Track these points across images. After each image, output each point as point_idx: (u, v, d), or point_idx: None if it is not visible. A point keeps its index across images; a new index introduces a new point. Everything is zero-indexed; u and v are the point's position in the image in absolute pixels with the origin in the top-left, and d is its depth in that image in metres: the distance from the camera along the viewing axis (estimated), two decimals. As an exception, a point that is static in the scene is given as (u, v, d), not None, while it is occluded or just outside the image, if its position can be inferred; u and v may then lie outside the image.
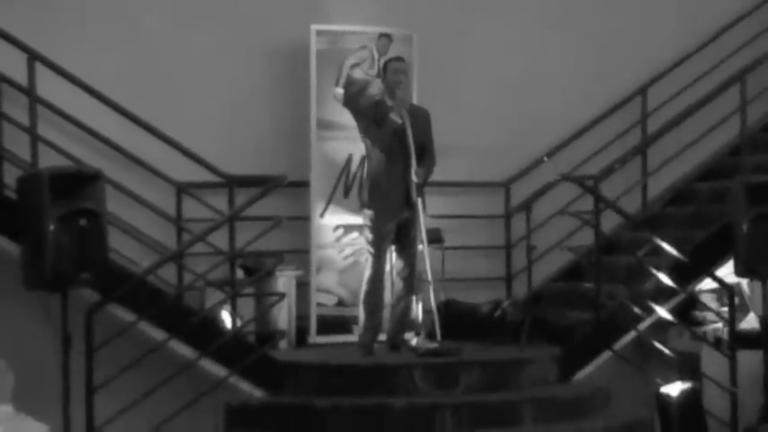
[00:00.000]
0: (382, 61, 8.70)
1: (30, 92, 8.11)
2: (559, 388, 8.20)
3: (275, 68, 9.30)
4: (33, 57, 8.11)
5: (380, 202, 8.22)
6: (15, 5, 8.55)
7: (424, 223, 8.12)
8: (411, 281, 8.32)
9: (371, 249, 8.26)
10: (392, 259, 8.37)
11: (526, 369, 8.09)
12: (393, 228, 8.23)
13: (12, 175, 7.74)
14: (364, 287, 8.30)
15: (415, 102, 8.71)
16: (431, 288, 8.08)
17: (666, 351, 8.57)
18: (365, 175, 8.49)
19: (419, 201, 8.12)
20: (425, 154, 8.28)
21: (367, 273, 8.30)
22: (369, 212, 8.27)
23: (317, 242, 8.99)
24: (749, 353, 8.19)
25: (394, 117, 8.12)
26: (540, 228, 9.40)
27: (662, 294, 8.49)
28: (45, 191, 6.76)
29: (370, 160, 8.37)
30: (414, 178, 8.10)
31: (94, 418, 7.27)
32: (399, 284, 8.34)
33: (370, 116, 8.29)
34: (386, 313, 8.42)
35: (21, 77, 8.12)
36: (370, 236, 8.27)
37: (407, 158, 8.11)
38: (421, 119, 8.32)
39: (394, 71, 8.33)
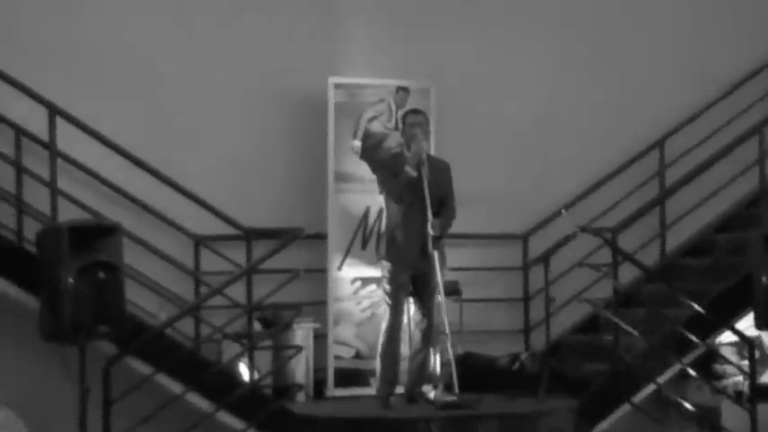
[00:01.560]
0: (401, 113, 8.74)
1: (50, 146, 8.16)
2: (578, 441, 8.16)
3: (293, 120, 9.34)
4: (54, 111, 8.17)
5: (397, 254, 8.22)
6: (35, 57, 8.61)
7: (441, 275, 8.10)
8: (429, 333, 8.30)
9: (389, 301, 8.26)
10: (410, 311, 8.35)
11: (544, 421, 8.05)
12: (409, 279, 8.22)
13: (30, 228, 7.78)
14: (382, 339, 8.29)
15: (433, 153, 8.74)
16: (448, 340, 8.06)
17: (686, 405, 8.52)
18: (383, 227, 8.50)
19: (435, 253, 8.11)
20: (445, 207, 8.28)
21: (384, 325, 8.29)
22: (386, 264, 8.27)
23: (335, 294, 8.98)
24: (770, 406, 8.15)
25: (408, 170, 8.14)
26: (558, 280, 9.37)
27: (681, 347, 8.43)
28: (64, 244, 6.79)
29: (387, 212, 8.38)
30: (430, 231, 8.10)
31: (111, 470, 7.26)
32: (417, 336, 8.32)
33: (388, 168, 8.31)
34: (404, 366, 8.39)
35: (39, 130, 8.17)
36: (387, 287, 8.26)
37: (424, 210, 8.12)
38: (440, 171, 8.34)
39: (411, 125, 8.36)
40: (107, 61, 8.92)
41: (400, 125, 8.70)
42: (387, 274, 8.26)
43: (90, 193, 8.47)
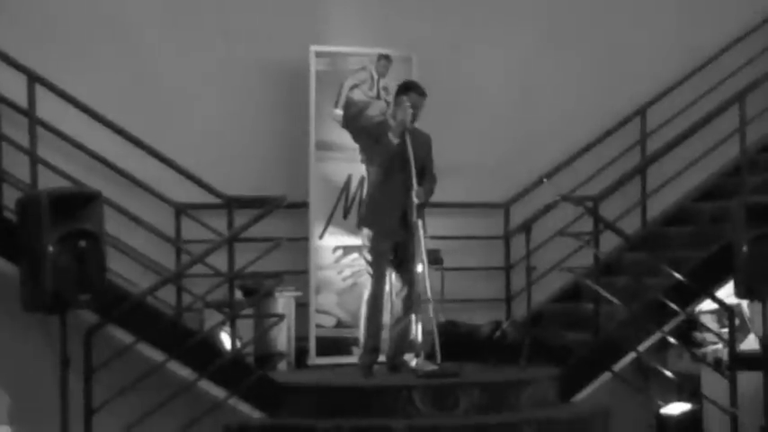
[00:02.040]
0: (384, 82, 8.67)
1: (30, 113, 8.11)
2: (559, 409, 8.18)
3: (274, 89, 9.31)
4: (33, 78, 8.12)
5: (378, 222, 8.22)
6: (16, 27, 8.57)
7: (423, 244, 8.11)
8: (410, 302, 8.30)
9: (371, 270, 8.26)
10: (391, 280, 8.36)
11: (526, 390, 8.08)
12: (390, 248, 8.22)
13: (11, 197, 7.73)
14: (364, 308, 8.30)
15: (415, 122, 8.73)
16: (430, 309, 8.07)
17: (666, 372, 8.56)
18: (364, 195, 8.49)
19: (419, 222, 8.11)
20: (426, 174, 8.28)
21: (366, 293, 8.30)
22: (367, 232, 8.27)
23: (317, 263, 8.98)
24: (749, 374, 8.17)
25: (392, 136, 8.12)
26: (539, 249, 9.39)
27: (662, 316, 8.46)
28: (44, 212, 6.75)
29: (369, 180, 8.37)
30: (414, 199, 8.10)
31: (93, 439, 7.26)
32: (398, 305, 8.33)
33: (372, 136, 8.29)
34: (385, 334, 8.41)
35: (20, 99, 8.12)
36: (368, 256, 8.26)
37: (407, 179, 8.11)
38: (422, 143, 8.32)
39: (414, 104, 8.21)
40: (89, 30, 8.87)
41: (383, 94, 8.68)
42: (368, 243, 8.26)
43: (71, 162, 8.43)
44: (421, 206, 8.15)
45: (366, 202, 8.35)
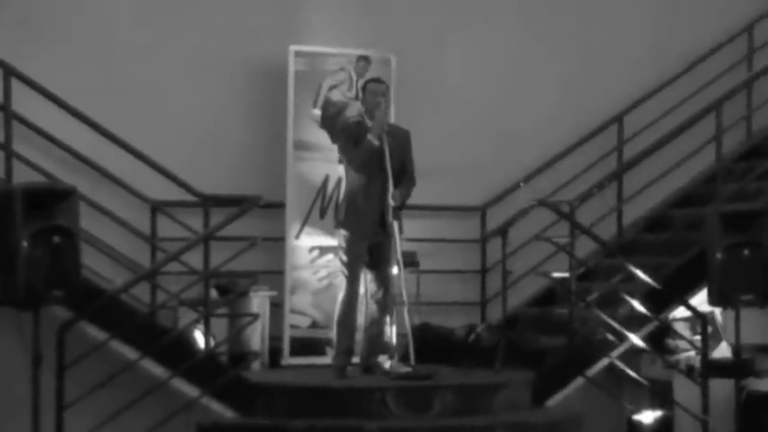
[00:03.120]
0: (362, 82, 8.71)
1: (5, 107, 8.07)
2: (532, 413, 8.18)
3: (252, 88, 9.30)
4: (9, 72, 8.08)
5: (355, 224, 8.21)
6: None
7: (399, 246, 8.11)
8: (385, 303, 8.30)
9: (346, 271, 8.25)
10: (367, 282, 8.35)
11: (499, 394, 8.08)
12: (366, 250, 8.22)
13: (-15, 191, 7.68)
14: (338, 309, 8.28)
15: (392, 121, 8.73)
16: (405, 311, 8.06)
17: (639, 378, 8.58)
18: (341, 195, 8.48)
19: (395, 223, 8.11)
20: (405, 175, 8.27)
21: (341, 295, 8.29)
22: (343, 233, 8.25)
23: (292, 263, 8.96)
24: (721, 381, 8.21)
25: (371, 138, 8.12)
26: (515, 253, 9.40)
27: (635, 322, 8.49)
28: (18, 207, 6.72)
29: (347, 181, 8.36)
30: (390, 201, 8.09)
31: (64, 436, 7.22)
32: (373, 307, 8.32)
33: (349, 137, 8.28)
34: (360, 336, 8.40)
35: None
36: (344, 258, 8.25)
37: (385, 180, 8.11)
38: (400, 139, 8.32)
39: (373, 93, 8.32)
40: (65, 25, 8.85)
41: (360, 94, 8.67)
42: (344, 244, 8.25)
43: (46, 157, 8.39)
44: (397, 208, 8.16)
45: (343, 204, 8.34)
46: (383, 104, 8.28)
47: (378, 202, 8.14)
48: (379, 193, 8.13)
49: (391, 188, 8.09)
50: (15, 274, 6.70)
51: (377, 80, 8.47)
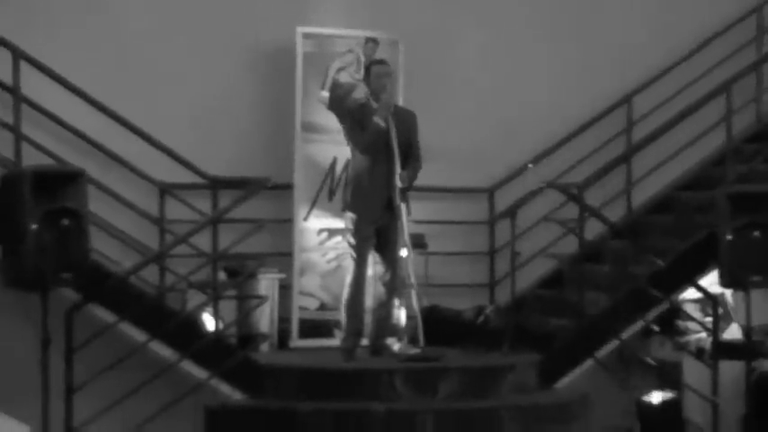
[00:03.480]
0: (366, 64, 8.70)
1: (14, 90, 8.07)
2: (540, 395, 8.19)
3: (261, 70, 9.28)
4: (18, 55, 8.08)
5: (362, 206, 8.19)
6: (1, 5, 8.50)
7: (407, 228, 8.10)
8: (392, 286, 8.29)
9: (353, 254, 8.24)
10: (375, 263, 8.34)
11: (507, 376, 8.08)
12: (373, 232, 8.21)
13: (-6, 173, 7.70)
14: (346, 292, 8.27)
15: (400, 104, 8.72)
16: (413, 293, 8.06)
17: (648, 360, 8.58)
18: (349, 177, 8.48)
19: (402, 205, 8.10)
20: (411, 157, 8.26)
21: (349, 277, 8.28)
22: (350, 215, 8.25)
23: (301, 245, 8.96)
24: (730, 363, 8.20)
25: (377, 120, 8.11)
26: (523, 234, 9.38)
27: (645, 303, 8.47)
28: (27, 190, 6.73)
29: (353, 163, 8.35)
30: (398, 183, 8.08)
31: (74, 418, 7.24)
32: (381, 289, 8.32)
33: (355, 119, 8.27)
34: (368, 318, 8.40)
35: (5, 76, 8.07)
36: (352, 240, 8.25)
37: (391, 162, 8.10)
38: (406, 120, 8.30)
39: (377, 75, 8.30)
40: (75, 9, 8.82)
41: (365, 76, 8.65)
42: (351, 226, 8.24)
43: (55, 140, 8.39)
44: (404, 189, 8.14)
45: (350, 186, 8.33)
46: (388, 86, 8.26)
47: (384, 184, 8.12)
48: (386, 175, 8.11)
49: (398, 170, 8.08)
50: (24, 257, 6.72)
51: (381, 62, 8.45)
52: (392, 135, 8.10)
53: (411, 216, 8.24)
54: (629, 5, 10.30)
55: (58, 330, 7.10)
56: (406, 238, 8.09)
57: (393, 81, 8.40)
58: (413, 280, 8.07)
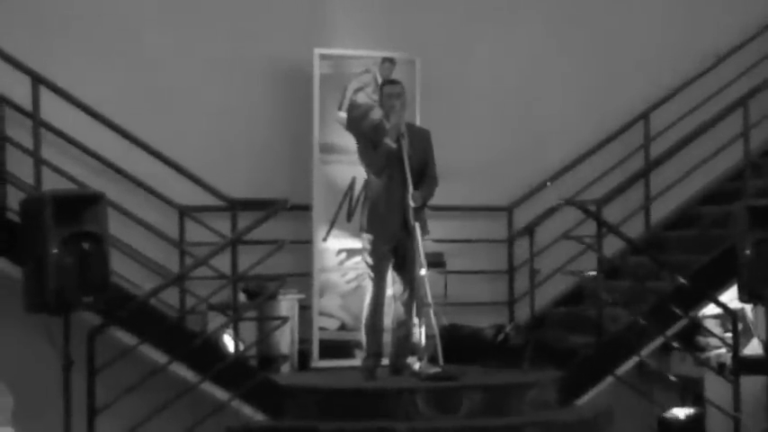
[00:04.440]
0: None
1: (33, 115, 8.12)
2: (561, 412, 8.17)
3: (278, 91, 9.32)
4: (37, 80, 8.13)
5: (378, 226, 8.22)
6: (20, 28, 8.58)
7: (422, 247, 8.10)
8: (410, 305, 8.30)
9: (371, 274, 8.26)
10: (393, 283, 8.35)
11: (528, 393, 8.07)
12: (390, 251, 8.22)
13: (15, 198, 7.74)
14: (365, 312, 8.29)
15: (418, 123, 8.74)
16: (431, 313, 8.06)
17: (669, 376, 8.56)
18: (364, 198, 8.49)
19: (417, 225, 8.10)
20: (426, 176, 8.28)
21: (367, 297, 8.30)
22: (367, 236, 8.26)
23: (320, 266, 8.98)
24: (752, 378, 8.17)
25: (388, 141, 8.12)
26: (542, 252, 9.39)
27: (665, 319, 8.46)
28: (48, 214, 6.76)
29: (369, 184, 8.37)
30: (411, 203, 8.09)
31: (96, 441, 7.26)
32: (400, 309, 8.33)
33: (369, 139, 8.29)
34: (388, 338, 8.41)
35: (24, 100, 8.13)
36: (369, 260, 8.26)
37: (405, 182, 8.12)
38: (421, 139, 8.33)
39: (388, 96, 8.33)
40: (91, 31, 8.88)
41: (378, 96, 8.68)
42: (368, 246, 8.26)
43: (74, 164, 8.43)
44: (419, 209, 8.15)
45: (365, 208, 8.35)
46: (398, 106, 8.26)
47: (399, 205, 8.15)
48: (400, 194, 8.14)
49: (411, 189, 8.09)
50: (45, 281, 6.74)
51: (391, 82, 8.49)
52: (404, 155, 8.12)
53: (428, 235, 8.25)
54: (646, 22, 10.31)
55: (80, 353, 7.13)
56: (422, 257, 8.10)
57: (403, 101, 8.36)
58: (430, 299, 8.08)
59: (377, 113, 8.82)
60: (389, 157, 8.13)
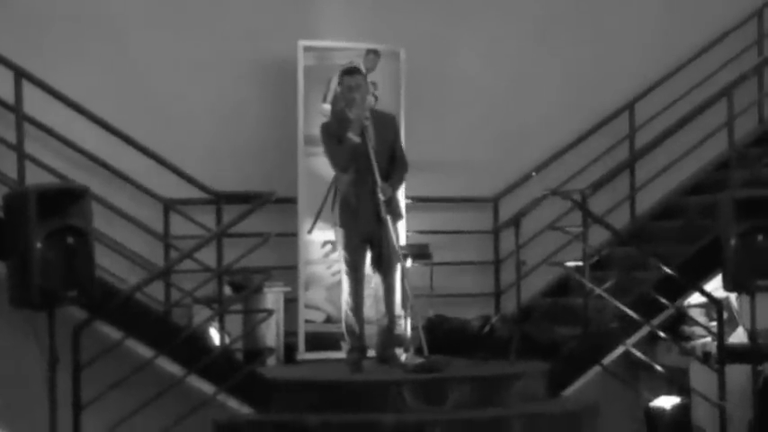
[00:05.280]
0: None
1: (17, 109, 8.09)
2: (548, 403, 8.18)
3: (263, 84, 9.30)
4: (20, 74, 8.10)
5: (350, 220, 8.17)
6: (2, 22, 8.54)
7: (396, 238, 8.07)
8: (389, 298, 8.25)
9: (347, 267, 8.21)
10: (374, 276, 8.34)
11: (515, 385, 8.08)
12: (364, 245, 8.17)
13: (-2, 193, 7.72)
14: (343, 307, 8.27)
15: (402, 115, 8.72)
16: (409, 303, 8.07)
17: (655, 366, 8.57)
18: (335, 192, 8.43)
19: (388, 217, 8.06)
20: (396, 161, 8.20)
21: (345, 293, 8.26)
22: (339, 230, 8.23)
23: (305, 258, 8.97)
24: (737, 367, 8.18)
25: (351, 135, 8.05)
26: (528, 243, 9.40)
27: (650, 309, 8.47)
28: (32, 208, 6.72)
29: (339, 178, 8.31)
30: (380, 196, 8.04)
31: (82, 436, 7.25)
32: (381, 301, 8.30)
33: (331, 135, 8.18)
34: (374, 329, 8.40)
35: (7, 95, 8.09)
36: (344, 254, 8.22)
37: (373, 177, 8.05)
38: (386, 125, 8.25)
39: (348, 88, 8.21)
40: (76, 26, 8.86)
41: (372, 89, 8.65)
42: (342, 240, 8.22)
43: (58, 158, 8.41)
44: (390, 199, 8.11)
45: (336, 201, 8.31)
46: (358, 99, 8.14)
47: (369, 198, 8.08)
48: (370, 188, 8.07)
49: (379, 181, 8.03)
50: (30, 276, 6.71)
51: (350, 72, 8.29)
52: (370, 149, 8.03)
53: (401, 219, 8.19)
54: (629, 13, 10.33)
55: (65, 348, 7.10)
56: (396, 248, 8.06)
57: (364, 92, 8.23)
58: (408, 291, 8.07)
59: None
60: (354, 151, 8.05)
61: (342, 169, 8.14)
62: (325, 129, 8.31)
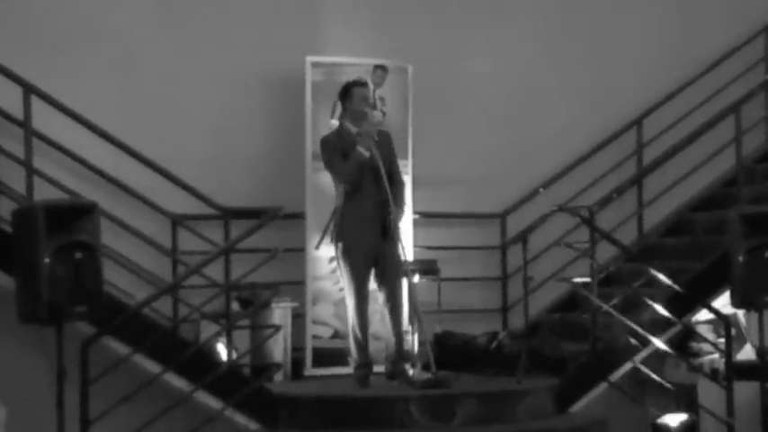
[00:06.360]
0: (380, 88, 8.66)
1: (25, 125, 8.11)
2: (556, 419, 8.17)
3: (270, 100, 9.32)
4: (29, 90, 8.12)
5: (351, 237, 8.08)
6: (12, 39, 8.58)
7: (403, 255, 8.05)
8: (396, 313, 8.15)
9: (349, 284, 8.13)
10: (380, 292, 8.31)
11: (523, 400, 8.06)
12: (366, 260, 8.08)
13: (6, 208, 7.72)
14: (350, 321, 8.21)
15: (410, 131, 8.73)
16: (415, 320, 8.05)
17: (663, 382, 8.55)
18: (334, 208, 8.36)
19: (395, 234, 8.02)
20: (394, 182, 8.08)
21: (349, 309, 8.20)
22: (340, 246, 8.15)
23: (313, 274, 8.97)
24: (746, 384, 8.17)
25: (361, 150, 7.98)
26: (536, 259, 9.39)
27: (658, 326, 8.46)
28: (40, 224, 6.74)
29: (337, 194, 8.25)
30: (395, 221, 7.94)
31: (89, 451, 7.24)
32: (388, 317, 8.24)
33: (335, 149, 8.07)
34: (382, 345, 8.38)
35: (16, 110, 8.12)
36: (345, 270, 8.14)
37: (380, 193, 7.96)
38: (384, 142, 8.16)
39: (360, 99, 8.13)
40: (83, 40, 8.88)
41: (380, 104, 8.65)
42: (341, 256, 8.14)
43: (67, 173, 8.43)
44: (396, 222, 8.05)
45: (337, 217, 8.20)
46: (370, 113, 8.10)
47: (374, 215, 7.97)
48: (373, 203, 7.97)
49: (391, 203, 7.89)
50: (38, 291, 6.72)
51: (361, 84, 8.21)
52: (380, 164, 7.94)
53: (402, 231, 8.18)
54: (636, 30, 10.34)
55: (73, 363, 7.10)
56: (404, 265, 8.04)
57: (373, 103, 8.21)
58: (416, 306, 8.06)
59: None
60: (360, 167, 7.99)
61: (351, 183, 8.09)
62: (325, 143, 8.24)
